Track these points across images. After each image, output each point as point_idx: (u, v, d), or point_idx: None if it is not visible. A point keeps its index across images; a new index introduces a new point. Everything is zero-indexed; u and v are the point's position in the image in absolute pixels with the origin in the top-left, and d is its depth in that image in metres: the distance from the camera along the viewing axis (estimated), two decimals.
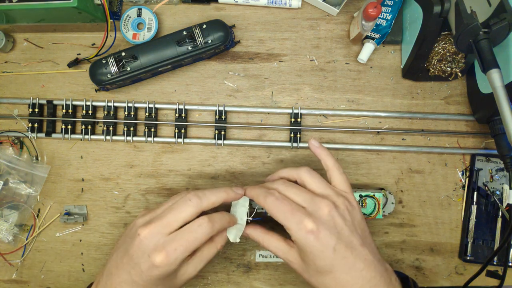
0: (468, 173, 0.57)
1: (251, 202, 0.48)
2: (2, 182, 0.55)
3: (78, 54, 0.58)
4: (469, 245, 0.55)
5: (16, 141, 0.57)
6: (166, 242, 0.40)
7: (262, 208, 0.49)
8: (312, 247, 0.41)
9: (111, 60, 0.53)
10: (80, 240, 0.57)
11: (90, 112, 0.56)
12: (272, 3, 0.57)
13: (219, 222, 0.44)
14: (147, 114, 0.56)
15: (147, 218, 0.43)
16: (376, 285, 0.42)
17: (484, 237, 0.55)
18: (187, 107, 0.57)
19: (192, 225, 0.42)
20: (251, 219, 0.48)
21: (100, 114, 0.58)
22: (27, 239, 0.56)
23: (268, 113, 0.58)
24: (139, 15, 0.55)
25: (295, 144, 0.56)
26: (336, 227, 0.42)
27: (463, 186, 0.57)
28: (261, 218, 0.49)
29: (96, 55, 0.55)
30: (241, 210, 0.47)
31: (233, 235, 0.46)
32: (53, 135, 0.57)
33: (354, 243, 0.42)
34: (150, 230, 0.41)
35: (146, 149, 0.57)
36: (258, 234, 0.47)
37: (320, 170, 0.47)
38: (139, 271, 0.41)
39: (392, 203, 0.55)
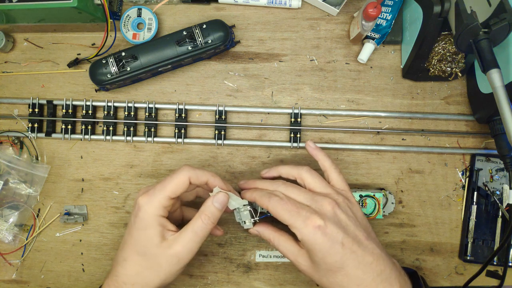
0: (468, 173, 0.57)
1: (251, 204, 0.48)
2: (2, 182, 0.55)
3: (78, 54, 0.58)
4: (469, 245, 0.55)
5: (16, 141, 0.57)
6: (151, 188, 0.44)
7: (262, 209, 0.49)
8: (320, 244, 0.41)
9: (111, 60, 0.53)
10: (80, 240, 0.57)
11: (90, 112, 0.56)
12: (272, 3, 0.57)
13: (202, 170, 0.45)
14: (147, 114, 0.56)
15: None
16: (387, 278, 0.42)
17: (484, 237, 0.55)
18: (187, 107, 0.57)
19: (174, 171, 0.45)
20: (258, 219, 0.47)
21: (100, 114, 0.58)
22: (27, 239, 0.56)
23: (268, 113, 0.58)
24: (139, 15, 0.55)
25: (295, 144, 0.56)
26: (341, 223, 0.42)
27: (463, 186, 0.57)
28: (268, 215, 0.49)
29: (96, 55, 0.55)
30: (244, 214, 0.47)
31: (231, 206, 0.46)
32: (53, 135, 0.57)
33: (360, 238, 0.42)
34: (145, 187, 0.46)
35: (146, 149, 0.57)
36: (270, 232, 0.46)
37: (318, 171, 0.48)
38: (129, 225, 0.44)
39: (392, 203, 0.55)
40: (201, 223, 0.43)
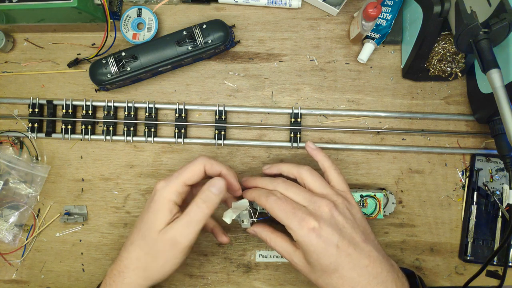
0: (468, 173, 0.57)
1: (251, 203, 0.48)
2: (2, 182, 0.55)
3: (78, 54, 0.58)
4: (469, 245, 0.55)
5: (16, 141, 0.57)
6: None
7: (262, 209, 0.49)
8: (315, 246, 0.41)
9: (111, 60, 0.53)
10: (80, 240, 0.57)
11: (90, 112, 0.56)
12: (272, 3, 0.57)
13: (218, 162, 0.46)
14: (147, 114, 0.56)
15: None
16: (384, 281, 0.42)
17: (484, 237, 0.55)
18: (187, 107, 0.57)
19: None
20: (256, 219, 0.48)
21: (100, 114, 0.58)
22: (27, 239, 0.56)
23: (268, 113, 0.58)
24: (139, 15, 0.55)
25: (295, 144, 0.56)
26: (337, 225, 0.42)
27: (463, 186, 0.57)
28: (267, 217, 0.49)
29: (96, 55, 0.55)
30: (243, 214, 0.47)
31: (229, 217, 0.46)
32: (53, 135, 0.57)
33: (357, 240, 0.42)
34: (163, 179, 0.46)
35: (146, 149, 0.57)
36: (266, 233, 0.46)
37: (318, 171, 0.47)
38: (144, 209, 0.45)
39: (393, 203, 0.55)
40: (195, 208, 0.42)
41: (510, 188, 0.46)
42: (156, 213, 0.43)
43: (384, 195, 0.54)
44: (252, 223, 0.48)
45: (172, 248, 0.42)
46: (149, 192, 0.57)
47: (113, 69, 0.53)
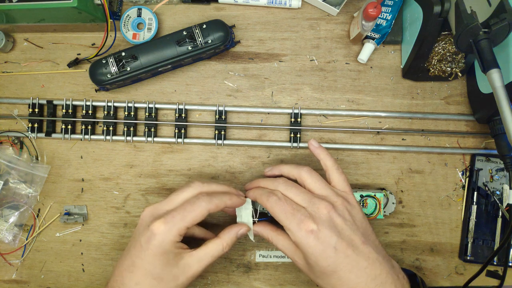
0: (468, 173, 0.57)
1: (253, 203, 0.48)
2: (2, 182, 0.55)
3: (78, 54, 0.58)
4: (469, 245, 0.55)
5: (16, 141, 0.57)
6: (166, 213, 0.43)
7: (263, 208, 0.49)
8: (313, 248, 0.41)
9: (111, 60, 0.53)
10: (80, 240, 0.57)
11: (90, 112, 0.56)
12: (272, 3, 0.57)
13: (218, 198, 0.44)
14: (147, 114, 0.56)
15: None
16: (383, 282, 0.42)
17: (484, 237, 0.55)
18: (187, 107, 0.57)
19: (191, 198, 0.44)
20: (257, 219, 0.48)
21: (100, 114, 0.58)
22: (27, 239, 0.56)
23: (268, 113, 0.58)
24: (139, 15, 0.55)
25: (295, 144, 0.56)
26: (336, 227, 0.42)
27: (463, 186, 0.57)
28: (268, 218, 0.49)
29: (96, 55, 0.55)
30: (245, 213, 0.47)
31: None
32: (53, 135, 0.57)
33: (356, 242, 0.42)
34: (152, 207, 0.45)
35: (146, 149, 0.57)
36: (268, 232, 0.47)
37: (320, 170, 0.48)
38: (139, 247, 0.42)
39: (393, 203, 0.55)
40: (221, 250, 0.44)
41: (510, 188, 0.46)
42: (164, 255, 0.42)
43: (384, 195, 0.54)
44: (253, 223, 0.48)
45: (191, 278, 0.43)
46: (149, 192, 0.57)
47: (113, 69, 0.53)
